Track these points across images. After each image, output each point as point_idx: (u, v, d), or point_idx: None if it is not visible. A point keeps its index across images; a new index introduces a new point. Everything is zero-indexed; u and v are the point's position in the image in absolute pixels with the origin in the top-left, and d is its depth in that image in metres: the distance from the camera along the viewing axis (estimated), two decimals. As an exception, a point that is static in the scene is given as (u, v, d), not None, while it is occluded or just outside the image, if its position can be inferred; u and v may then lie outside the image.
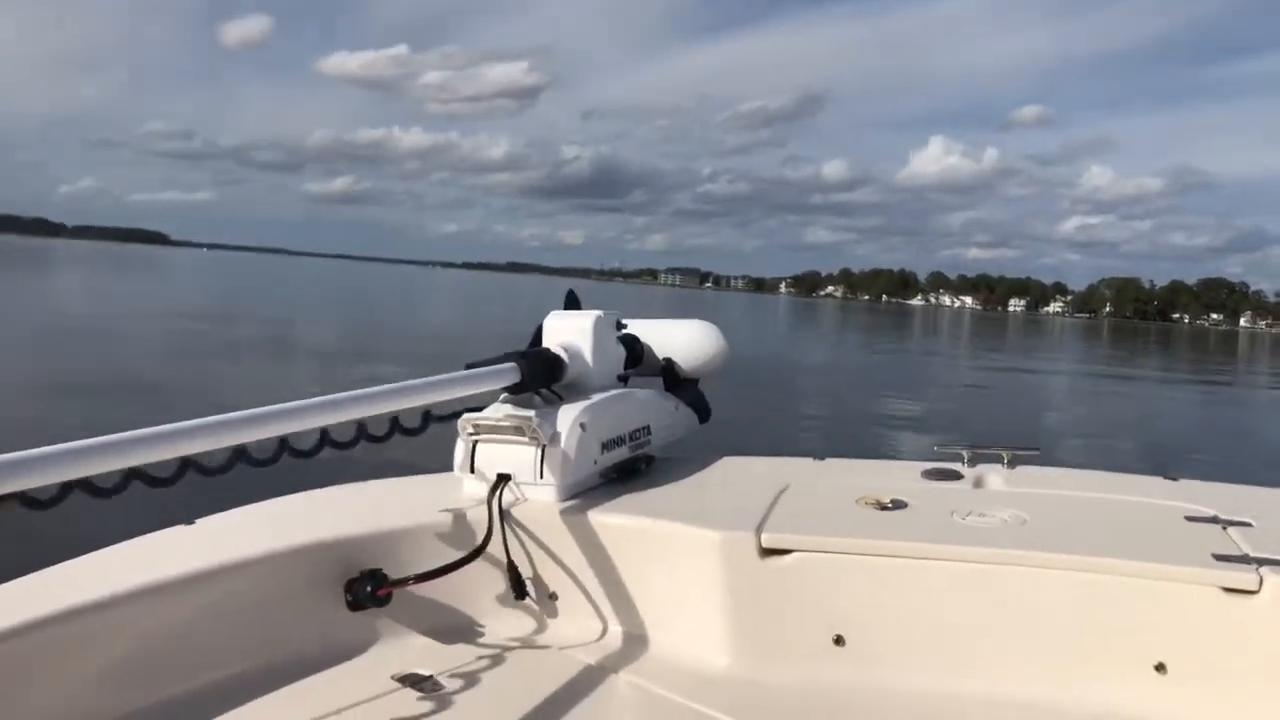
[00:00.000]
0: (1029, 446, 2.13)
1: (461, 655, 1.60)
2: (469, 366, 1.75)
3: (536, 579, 1.74)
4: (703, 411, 2.33)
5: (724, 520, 1.67)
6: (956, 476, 2.03)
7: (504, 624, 1.72)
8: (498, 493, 1.70)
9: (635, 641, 1.68)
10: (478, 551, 1.64)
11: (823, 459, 2.23)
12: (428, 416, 1.75)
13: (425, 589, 1.63)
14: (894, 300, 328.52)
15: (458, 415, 1.78)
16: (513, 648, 1.65)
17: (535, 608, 1.74)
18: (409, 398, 1.58)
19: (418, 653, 1.59)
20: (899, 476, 2.04)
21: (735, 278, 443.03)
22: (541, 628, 1.72)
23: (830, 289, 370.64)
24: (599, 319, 1.98)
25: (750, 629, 1.61)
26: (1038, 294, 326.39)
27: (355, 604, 1.59)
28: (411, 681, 1.49)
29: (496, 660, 1.60)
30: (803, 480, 1.98)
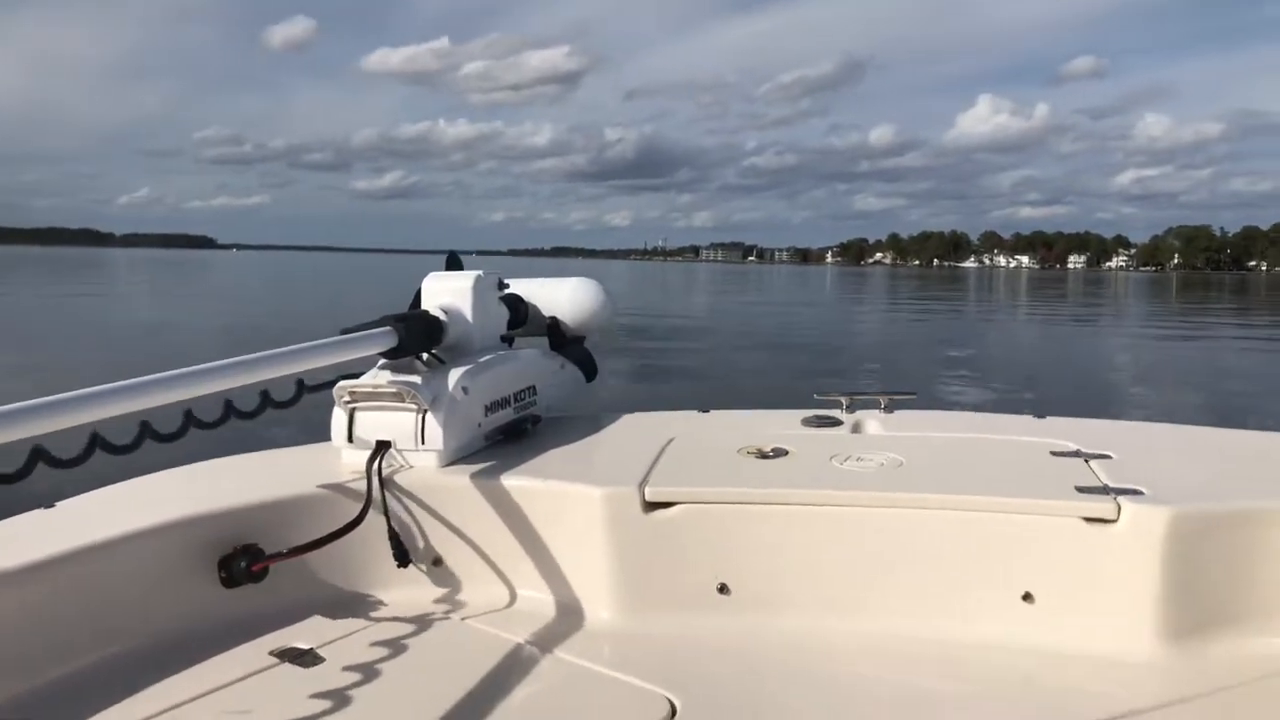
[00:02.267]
0: (906, 391, 2.21)
1: (344, 627, 1.56)
2: (344, 332, 1.69)
3: (420, 546, 1.71)
4: (590, 370, 2.31)
5: (608, 476, 1.67)
6: (836, 423, 2.09)
7: (388, 593, 1.69)
8: (377, 461, 1.66)
9: (521, 602, 1.67)
10: (357, 521, 1.60)
11: (707, 411, 2.27)
12: (301, 386, 1.70)
13: (304, 562, 1.59)
14: (946, 264, 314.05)
15: (333, 384, 1.73)
16: (397, 616, 1.62)
17: (420, 575, 1.71)
18: (279, 366, 1.51)
19: (298, 627, 1.55)
20: (781, 425, 2.08)
21: (780, 250, 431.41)
22: (426, 594, 1.70)
23: (879, 256, 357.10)
24: (479, 279, 1.93)
25: (636, 583, 1.61)
26: (1098, 249, 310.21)
27: (230, 581, 1.54)
28: (291, 656, 1.45)
29: (380, 630, 1.56)
30: (687, 433, 1.99)
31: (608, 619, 1.61)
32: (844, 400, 2.19)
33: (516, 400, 1.95)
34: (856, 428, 2.08)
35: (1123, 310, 46.81)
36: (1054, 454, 1.80)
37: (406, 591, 1.69)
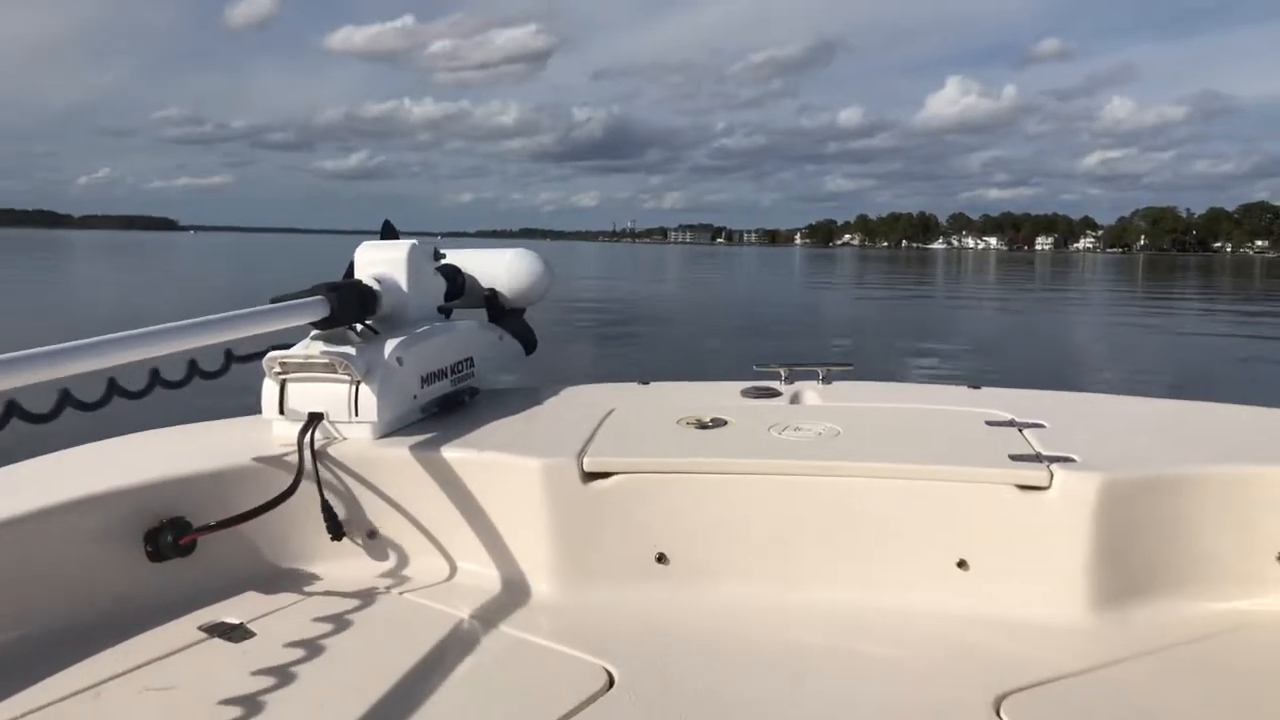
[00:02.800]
0: (843, 363, 2.24)
1: (275, 602, 1.54)
2: (274, 301, 1.64)
3: (354, 519, 1.68)
4: (529, 342, 2.30)
5: (546, 448, 1.66)
6: (774, 394, 2.11)
7: (321, 566, 1.67)
8: (310, 432, 1.64)
9: (458, 574, 1.66)
10: (288, 493, 1.57)
11: (647, 383, 2.29)
12: (230, 356, 1.65)
13: (234, 536, 1.55)
14: (914, 246, 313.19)
15: (264, 354, 1.69)
16: (331, 590, 1.60)
17: (354, 548, 1.68)
18: (206, 335, 1.46)
19: (228, 602, 1.52)
20: (720, 396, 2.10)
21: (748, 232, 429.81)
22: (361, 568, 1.68)
23: (847, 238, 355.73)
24: (414, 248, 1.91)
25: (574, 554, 1.60)
26: (1065, 230, 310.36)
27: (156, 555, 1.51)
28: (220, 631, 1.43)
29: (314, 604, 1.54)
30: (627, 405, 1.98)
31: (546, 590, 1.59)
32: (783, 372, 2.22)
33: (453, 372, 1.94)
34: (795, 398, 2.10)
35: (1083, 291, 46.36)
36: (989, 423, 1.82)
37: (341, 565, 1.66)
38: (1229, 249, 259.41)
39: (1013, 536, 1.52)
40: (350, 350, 1.68)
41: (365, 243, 1.93)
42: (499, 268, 2.23)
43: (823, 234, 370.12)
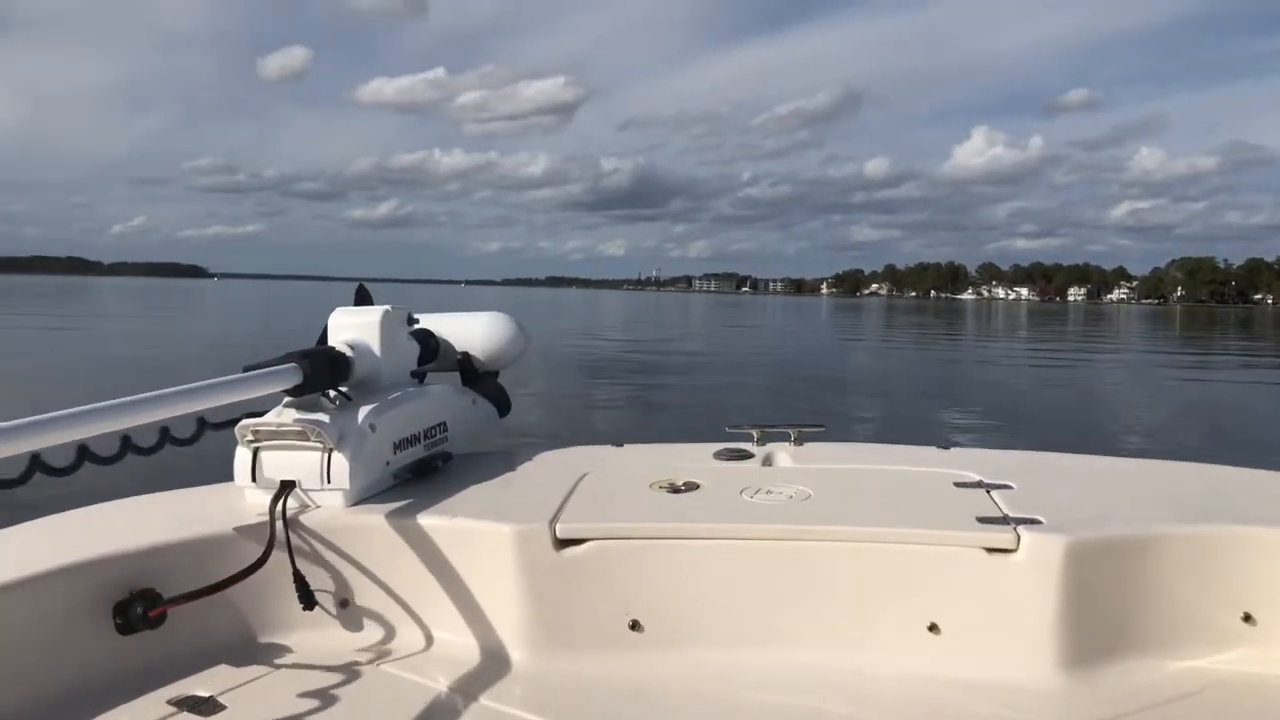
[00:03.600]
0: (815, 424, 2.24)
1: (246, 674, 1.53)
2: (247, 369, 1.65)
3: (327, 588, 1.67)
4: (503, 405, 2.30)
5: (519, 513, 1.66)
6: (747, 456, 2.12)
7: (294, 637, 1.65)
8: (281, 501, 1.63)
9: (431, 643, 1.65)
10: (260, 563, 1.56)
11: (621, 445, 2.29)
12: (202, 424, 1.66)
13: (205, 607, 1.53)
14: (943, 296, 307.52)
15: (236, 422, 1.69)
16: (303, 661, 1.59)
17: (327, 618, 1.67)
18: (179, 404, 1.46)
19: (199, 675, 1.51)
20: (693, 459, 2.10)
21: (774, 281, 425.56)
22: (334, 637, 1.66)
23: (875, 287, 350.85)
24: (387, 314, 1.91)
25: (548, 621, 1.60)
26: (1099, 280, 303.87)
27: (125, 627, 1.48)
28: (190, 705, 1.41)
29: (285, 675, 1.53)
30: (600, 468, 1.99)
31: (520, 659, 1.59)
32: (755, 433, 2.23)
33: (426, 437, 1.93)
34: (767, 460, 2.11)
35: (1116, 344, 44.78)
36: (957, 485, 1.83)
37: (313, 635, 1.65)
38: (1270, 300, 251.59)
39: (982, 599, 1.53)
40: (323, 417, 1.67)
41: (339, 309, 1.92)
42: (473, 331, 2.25)
43: (850, 283, 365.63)
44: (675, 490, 1.79)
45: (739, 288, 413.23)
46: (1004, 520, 1.59)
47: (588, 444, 2.31)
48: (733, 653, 1.55)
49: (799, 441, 2.19)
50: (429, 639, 1.65)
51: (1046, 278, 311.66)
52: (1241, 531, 1.57)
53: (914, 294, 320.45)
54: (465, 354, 2.22)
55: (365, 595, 1.67)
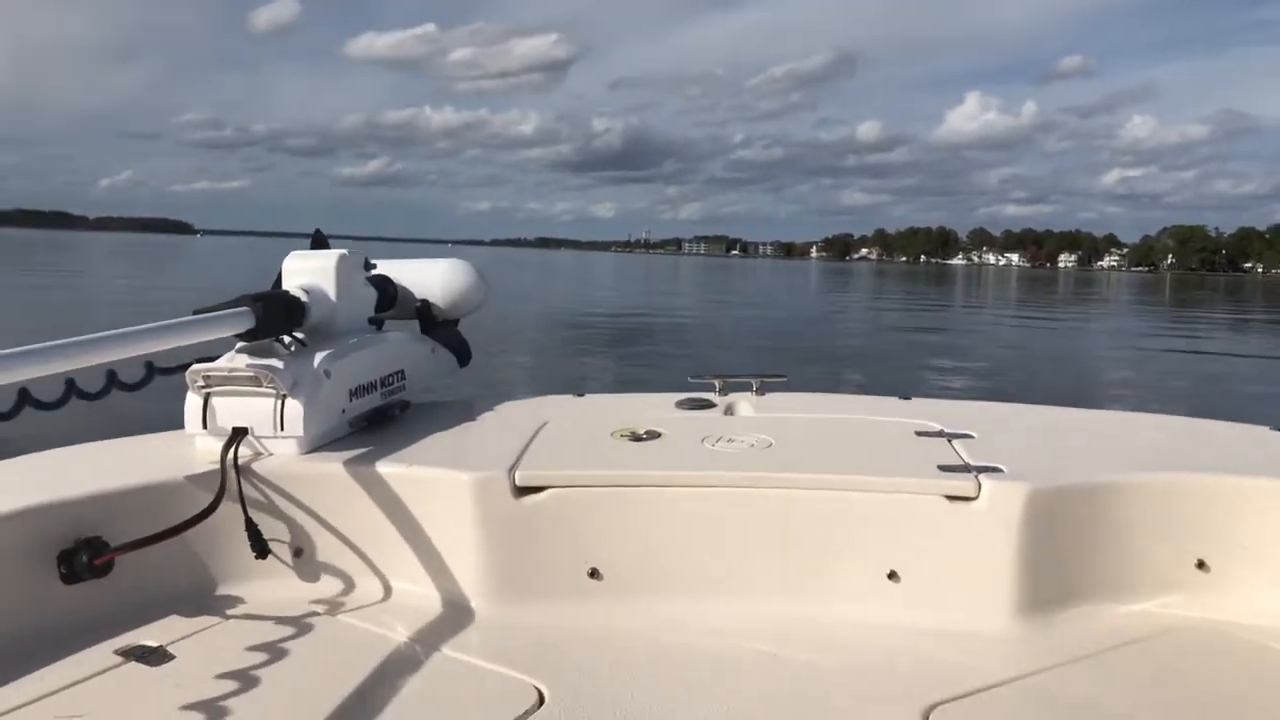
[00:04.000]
0: (777, 374, 2.25)
1: (196, 624, 1.49)
2: (197, 312, 1.59)
3: (280, 537, 1.64)
4: (463, 354, 2.26)
5: (478, 462, 1.64)
6: (709, 405, 2.12)
7: (246, 587, 1.62)
8: (233, 448, 1.59)
9: (387, 592, 1.62)
10: (209, 510, 1.52)
11: (582, 395, 2.28)
12: (151, 369, 1.61)
13: (154, 556, 1.48)
14: (934, 261, 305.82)
15: (186, 367, 1.64)
16: (255, 610, 1.56)
17: (280, 567, 1.64)
18: (126, 346, 1.40)
19: (147, 626, 1.46)
20: (656, 408, 2.09)
21: (764, 244, 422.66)
22: (287, 587, 1.63)
23: (864, 251, 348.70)
24: (343, 258, 1.86)
25: (506, 570, 1.58)
26: (1089, 247, 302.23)
27: (71, 576, 1.44)
28: (138, 655, 1.37)
29: (237, 625, 1.51)
30: (561, 417, 1.98)
31: (477, 607, 1.57)
32: (717, 383, 2.22)
33: (384, 385, 1.89)
34: (729, 410, 2.11)
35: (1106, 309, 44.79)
36: (918, 434, 1.84)
37: (266, 584, 1.62)
38: (1260, 270, 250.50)
39: (942, 546, 1.54)
40: (276, 363, 1.63)
41: (293, 252, 1.87)
42: (432, 278, 2.20)
43: (840, 247, 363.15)
44: (637, 439, 1.79)
45: (729, 251, 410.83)
46: (965, 468, 1.60)
47: (549, 393, 2.27)
48: (692, 601, 1.55)
49: (761, 391, 2.19)
50: (386, 588, 1.62)
51: (1037, 244, 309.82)
52: (1196, 479, 1.59)
53: (904, 259, 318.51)
54: (424, 301, 2.18)
55: (320, 544, 1.63)
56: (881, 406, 2.11)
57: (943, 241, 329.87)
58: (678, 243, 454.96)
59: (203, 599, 1.57)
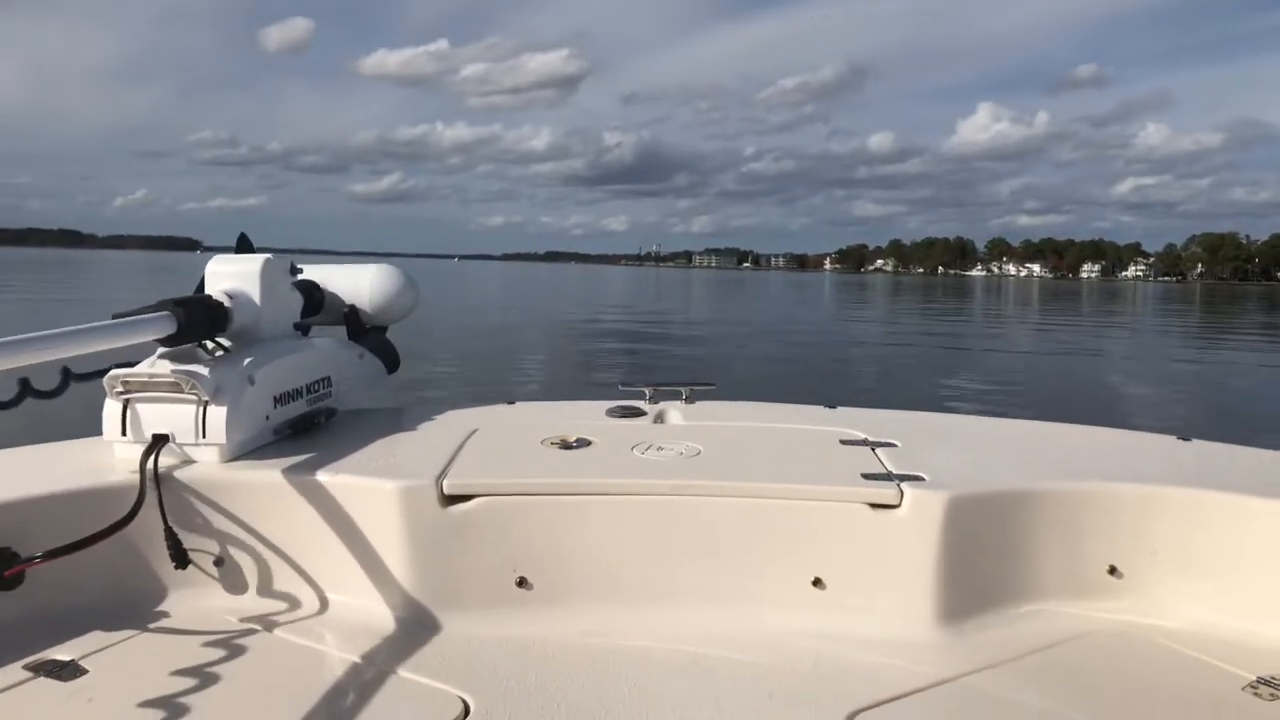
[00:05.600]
0: (706, 383, 2.29)
1: (114, 638, 1.45)
2: (117, 316, 1.54)
3: (202, 547, 1.60)
4: (391, 360, 2.24)
5: (404, 470, 1.62)
6: (639, 413, 2.14)
7: (165, 598, 1.59)
8: (153, 455, 1.55)
9: (311, 603, 1.59)
10: (127, 519, 1.48)
11: (513, 402, 2.29)
12: (68, 374, 1.55)
13: (67, 566, 1.43)
14: (951, 272, 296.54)
15: (105, 372, 1.60)
16: (174, 622, 1.53)
17: (201, 577, 1.60)
18: (39, 350, 1.35)
19: (58, 638, 1.42)
20: (586, 416, 2.09)
21: (776, 256, 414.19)
22: (208, 598, 1.60)
23: (880, 263, 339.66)
24: (268, 262, 1.83)
25: (433, 579, 1.56)
26: (1113, 257, 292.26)
27: None
28: (48, 670, 1.33)
29: (155, 638, 1.47)
30: (491, 425, 1.96)
31: (403, 617, 1.55)
32: (648, 391, 2.25)
33: (309, 392, 1.87)
34: (659, 418, 2.12)
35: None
36: (843, 442, 1.86)
37: (189, 597, 1.59)
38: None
39: (866, 554, 1.56)
40: (198, 369, 1.60)
41: (217, 256, 1.84)
42: (360, 284, 2.18)
43: (854, 259, 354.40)
44: (567, 446, 1.78)
45: (740, 263, 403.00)
46: (888, 476, 1.62)
47: (480, 403, 2.23)
48: (619, 609, 1.54)
49: (690, 399, 2.22)
50: (309, 599, 1.59)
51: (1058, 253, 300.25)
52: (1108, 488, 1.63)
53: (920, 270, 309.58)
54: (352, 307, 2.16)
55: (243, 555, 1.60)
56: (808, 415, 2.14)
57: (960, 252, 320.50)
58: (688, 255, 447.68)
59: (120, 612, 1.51)
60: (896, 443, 1.84)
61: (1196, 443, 1.99)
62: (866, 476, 1.62)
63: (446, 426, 1.92)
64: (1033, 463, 1.80)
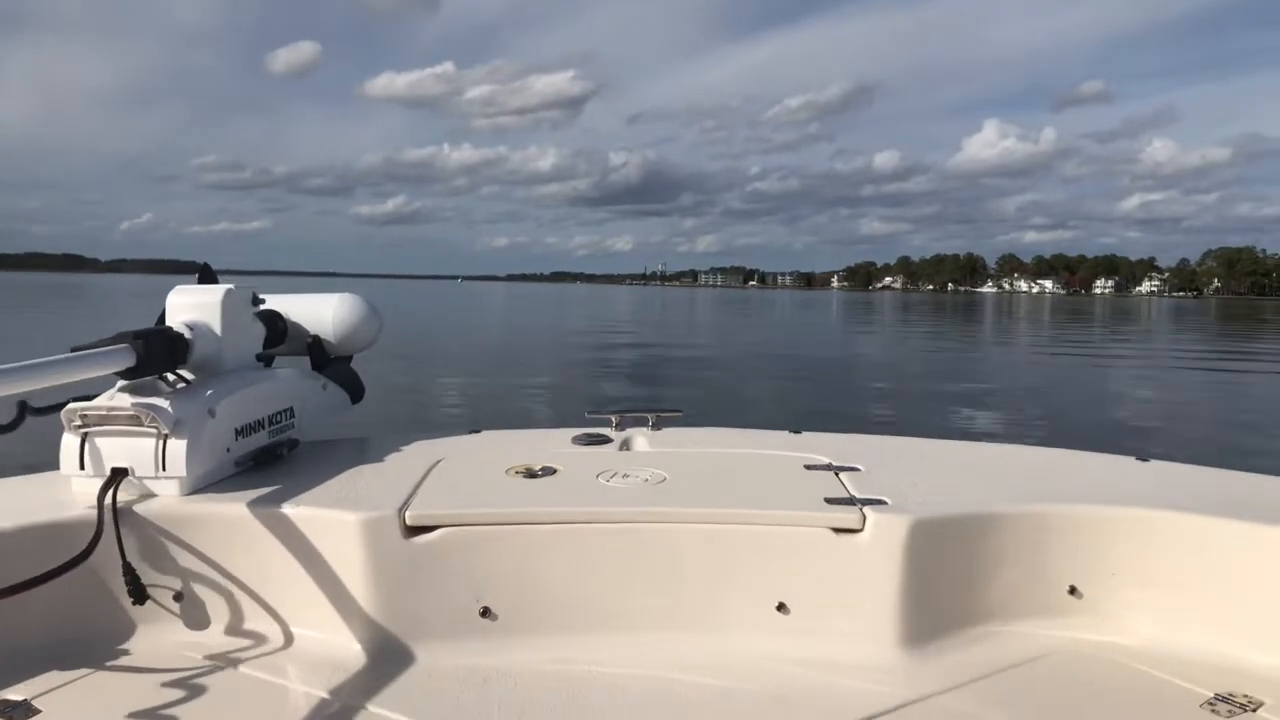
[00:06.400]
0: (672, 410, 2.29)
1: (66, 676, 1.43)
2: (75, 350, 1.53)
3: (162, 582, 1.58)
4: (355, 390, 2.22)
5: (367, 501, 1.61)
6: (605, 440, 2.13)
7: (124, 636, 1.57)
8: (111, 489, 1.53)
9: (272, 637, 1.58)
10: (84, 555, 1.46)
11: (478, 431, 2.28)
12: (24, 408, 1.51)
13: (24, 604, 1.41)
14: (961, 289, 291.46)
15: (63, 406, 1.59)
16: (133, 659, 1.51)
17: (162, 613, 1.59)
18: None
19: (12, 679, 1.41)
20: (552, 444, 2.09)
21: (783, 274, 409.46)
22: (167, 633, 1.58)
23: (888, 280, 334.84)
24: (229, 293, 1.82)
25: (397, 611, 1.55)
26: (1126, 272, 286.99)
27: None
28: (2, 711, 1.32)
29: (113, 675, 1.45)
30: (455, 455, 1.96)
31: (368, 650, 1.53)
32: (614, 418, 2.25)
33: (271, 423, 1.86)
34: (625, 445, 2.12)
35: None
36: (807, 467, 1.88)
37: (146, 633, 1.57)
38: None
39: (829, 578, 1.56)
40: (158, 401, 1.59)
41: (178, 286, 1.83)
42: (324, 314, 2.16)
43: (862, 276, 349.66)
44: (531, 475, 1.78)
45: (746, 282, 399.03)
46: (850, 501, 1.63)
47: (446, 432, 2.21)
48: (584, 637, 1.54)
49: (657, 426, 2.22)
50: (272, 633, 1.57)
51: (1070, 269, 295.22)
52: (1067, 510, 1.66)
53: (930, 287, 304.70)
54: (316, 337, 2.14)
55: (204, 589, 1.58)
56: (773, 440, 2.15)
57: (970, 269, 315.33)
58: (694, 275, 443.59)
59: (77, 650, 1.50)
60: (860, 467, 1.85)
61: (1154, 463, 2.02)
62: (829, 501, 1.63)
63: (410, 457, 1.91)
64: (995, 486, 1.80)
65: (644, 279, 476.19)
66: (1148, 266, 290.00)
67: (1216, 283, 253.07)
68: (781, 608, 1.56)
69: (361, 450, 1.97)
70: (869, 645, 1.54)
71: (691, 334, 38.40)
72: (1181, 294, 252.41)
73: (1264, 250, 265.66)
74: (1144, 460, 2.02)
